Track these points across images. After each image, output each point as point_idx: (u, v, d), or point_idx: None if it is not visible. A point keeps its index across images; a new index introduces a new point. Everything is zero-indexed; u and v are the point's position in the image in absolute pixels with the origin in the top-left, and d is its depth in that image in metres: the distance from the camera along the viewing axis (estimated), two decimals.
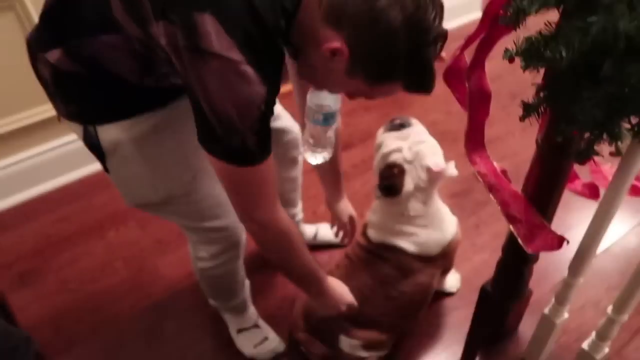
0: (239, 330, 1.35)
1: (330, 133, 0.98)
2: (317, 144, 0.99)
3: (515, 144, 1.89)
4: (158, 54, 0.77)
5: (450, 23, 2.62)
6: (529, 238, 0.83)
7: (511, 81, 2.13)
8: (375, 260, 1.17)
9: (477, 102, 0.89)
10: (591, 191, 1.02)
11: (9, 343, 0.94)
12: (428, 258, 1.16)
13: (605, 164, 0.96)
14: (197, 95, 0.74)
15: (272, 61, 0.76)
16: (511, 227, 0.84)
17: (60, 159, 1.87)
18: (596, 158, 0.78)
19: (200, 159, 0.86)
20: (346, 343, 1.16)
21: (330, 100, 0.92)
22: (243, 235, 1.13)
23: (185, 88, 0.76)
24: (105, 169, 0.94)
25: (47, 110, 1.74)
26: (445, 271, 1.30)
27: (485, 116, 0.89)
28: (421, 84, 0.78)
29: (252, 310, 1.36)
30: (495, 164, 0.99)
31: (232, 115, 0.73)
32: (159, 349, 1.38)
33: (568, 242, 0.81)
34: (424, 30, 0.73)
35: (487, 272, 1.42)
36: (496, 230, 1.61)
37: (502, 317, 1.07)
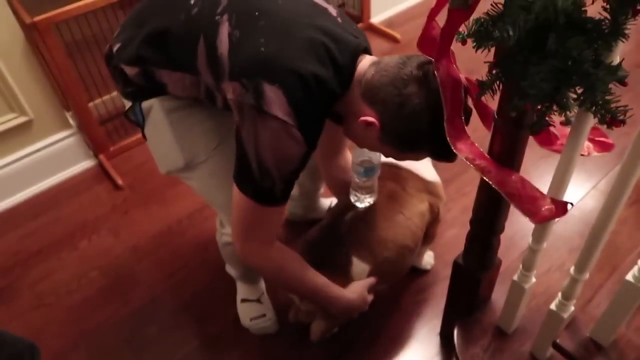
0: (243, 300, 1.39)
1: (371, 182, 1.15)
2: (361, 192, 1.16)
3: (474, 120, 1.93)
4: (216, 99, 0.96)
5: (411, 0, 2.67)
6: (532, 211, 0.83)
7: (464, 59, 2.20)
8: (378, 181, 1.20)
9: (450, 90, 0.90)
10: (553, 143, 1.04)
11: (15, 350, 0.93)
12: (425, 182, 1.22)
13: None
14: (247, 143, 0.89)
15: (317, 128, 0.92)
16: (512, 203, 0.84)
17: (22, 172, 1.82)
18: (558, 125, 0.82)
19: (225, 131, 1.04)
20: (358, 268, 1.15)
21: (370, 155, 1.10)
22: None
23: (237, 133, 0.91)
24: (144, 136, 1.10)
25: (3, 122, 1.69)
26: (427, 238, 1.35)
27: (460, 103, 0.91)
28: (444, 154, 0.92)
29: (261, 285, 1.40)
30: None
31: (272, 165, 0.89)
32: (144, 355, 1.38)
33: (572, 204, 0.83)
34: (443, 114, 0.86)
35: (458, 246, 1.48)
36: (463, 205, 1.66)
37: (476, 287, 1.12)
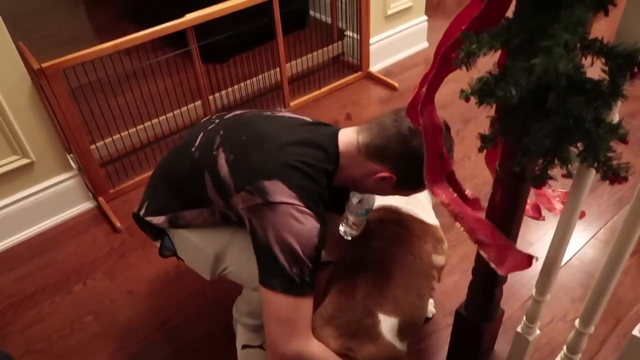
0: (244, 346, 1.35)
1: (366, 219, 1.25)
2: (356, 229, 1.25)
3: (471, 166, 1.97)
4: (230, 217, 1.10)
5: (409, 50, 2.75)
6: (499, 261, 0.87)
7: (462, 107, 2.25)
8: (380, 224, 1.22)
9: (430, 136, 0.93)
10: (535, 212, 1.08)
11: None
12: (427, 225, 1.23)
13: (548, 190, 1.03)
14: (268, 238, 0.98)
15: (321, 205, 1.02)
16: (481, 251, 0.88)
17: (21, 213, 1.82)
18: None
19: (236, 224, 1.13)
20: (386, 324, 1.10)
21: (372, 199, 1.21)
22: None
23: (253, 239, 1.01)
24: (180, 258, 1.24)
25: (4, 164, 1.70)
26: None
27: (439, 148, 0.94)
28: None
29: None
30: (467, 191, 1.05)
31: (295, 246, 0.97)
32: None
33: (537, 259, 0.86)
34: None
35: (458, 294, 1.47)
36: (463, 252, 1.66)
37: (478, 338, 1.10)
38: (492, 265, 0.87)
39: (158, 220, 1.16)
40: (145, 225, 1.22)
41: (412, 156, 1.02)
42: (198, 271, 1.22)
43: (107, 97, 1.84)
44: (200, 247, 1.17)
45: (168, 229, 1.19)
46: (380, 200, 1.30)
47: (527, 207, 1.08)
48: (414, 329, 1.18)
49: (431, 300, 1.50)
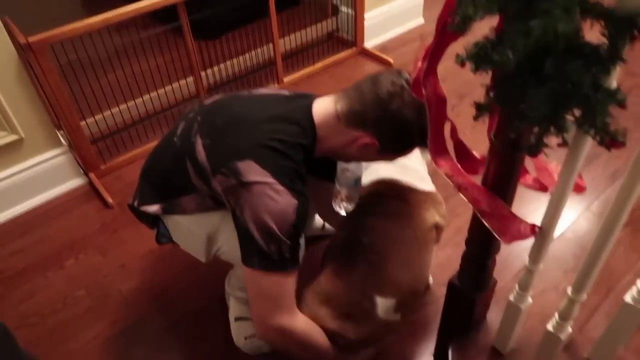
0: (237, 318, 1.36)
1: (358, 191, 1.25)
2: (349, 201, 1.25)
3: (467, 141, 1.94)
4: (221, 201, 1.06)
5: (405, 26, 2.72)
6: (503, 230, 0.86)
7: (457, 82, 2.24)
8: (378, 199, 1.21)
9: (434, 107, 0.92)
10: (541, 185, 1.08)
11: None
12: (425, 193, 1.22)
13: (551, 162, 1.03)
14: (244, 217, 0.98)
15: (298, 181, 1.01)
16: (484, 222, 0.87)
17: (11, 189, 1.79)
18: (542, 157, 0.83)
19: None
20: (382, 306, 1.10)
21: (359, 169, 1.22)
22: None
23: (234, 221, 1.01)
24: (176, 244, 1.24)
25: None
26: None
27: (444, 119, 0.93)
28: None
29: None
30: (475, 153, 1.05)
31: (271, 224, 0.96)
32: None
33: (540, 228, 0.86)
34: (424, 111, 0.94)
35: (452, 266, 1.47)
36: (457, 226, 1.67)
37: (471, 308, 1.11)
38: (496, 234, 0.86)
39: (152, 208, 1.17)
40: (141, 215, 1.23)
41: (393, 120, 1.02)
42: (193, 254, 1.22)
43: (98, 74, 1.81)
44: (192, 230, 1.17)
45: (162, 216, 1.19)
46: (376, 173, 1.29)
47: (531, 180, 1.08)
48: (414, 300, 1.19)
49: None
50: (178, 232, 1.20)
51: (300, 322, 1.08)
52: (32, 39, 1.55)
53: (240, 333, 1.34)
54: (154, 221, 1.23)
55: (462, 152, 1.04)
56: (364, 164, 1.29)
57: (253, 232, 0.98)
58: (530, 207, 1.70)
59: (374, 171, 1.30)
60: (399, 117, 1.02)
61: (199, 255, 1.21)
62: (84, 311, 1.51)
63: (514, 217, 0.87)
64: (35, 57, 1.59)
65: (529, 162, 0.95)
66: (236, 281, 1.31)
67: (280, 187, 0.97)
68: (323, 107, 1.08)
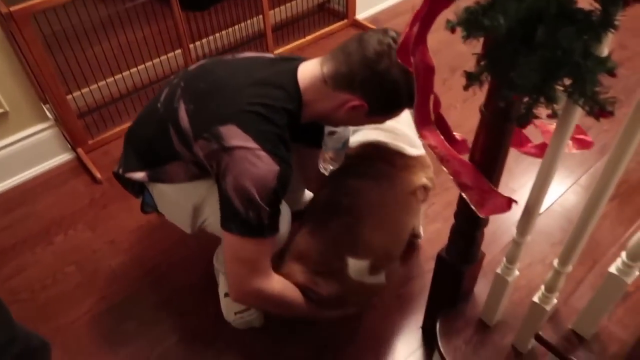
0: (227, 294, 1.37)
1: (344, 152, 1.25)
2: (333, 164, 1.26)
3: (457, 115, 1.96)
4: (206, 168, 1.05)
5: None
6: (480, 203, 0.87)
7: (449, 55, 2.21)
8: (363, 162, 1.19)
9: (422, 77, 0.91)
10: (542, 151, 1.08)
11: (28, 345, 0.91)
12: (413, 158, 1.21)
13: (551, 124, 1.02)
14: (225, 182, 0.97)
15: (282, 146, 0.99)
16: (463, 194, 0.88)
17: None
18: (544, 121, 0.83)
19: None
20: (354, 267, 1.12)
21: (347, 131, 1.21)
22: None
23: (218, 186, 1.00)
24: (161, 214, 1.24)
25: None
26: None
27: (431, 90, 0.92)
28: None
29: None
30: (456, 134, 1.04)
31: (251, 190, 0.95)
32: (122, 351, 1.35)
33: (516, 202, 0.86)
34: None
35: (441, 240, 1.48)
36: (446, 200, 1.67)
37: (459, 281, 1.12)
38: (473, 207, 0.87)
39: (138, 175, 1.15)
40: (126, 183, 1.22)
41: (381, 80, 0.99)
42: (179, 225, 1.21)
43: (83, 46, 1.76)
44: (178, 201, 1.16)
45: (148, 184, 1.17)
46: (364, 136, 1.27)
47: (534, 149, 1.07)
48: (390, 263, 1.20)
49: (421, 227, 1.52)
50: (164, 202, 1.19)
51: (276, 284, 1.09)
52: (14, 8, 1.51)
53: (230, 309, 1.35)
54: (139, 189, 1.21)
55: (443, 129, 1.03)
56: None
57: (232, 198, 0.97)
58: (521, 180, 1.71)
59: (362, 134, 1.28)
60: (387, 78, 0.99)
61: (184, 227, 1.20)
62: (75, 287, 1.50)
63: (493, 191, 0.87)
64: (17, 28, 1.54)
65: (531, 130, 0.94)
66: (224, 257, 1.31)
67: (262, 153, 0.95)
68: (309, 70, 1.05)
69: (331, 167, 1.24)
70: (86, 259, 1.58)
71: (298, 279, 1.14)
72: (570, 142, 1.00)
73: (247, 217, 0.97)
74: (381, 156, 1.23)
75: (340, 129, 1.20)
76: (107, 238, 1.63)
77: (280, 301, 1.12)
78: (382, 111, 1.07)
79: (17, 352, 0.86)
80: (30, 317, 1.43)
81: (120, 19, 1.80)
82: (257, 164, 0.95)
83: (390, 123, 1.18)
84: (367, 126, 1.28)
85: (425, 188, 1.25)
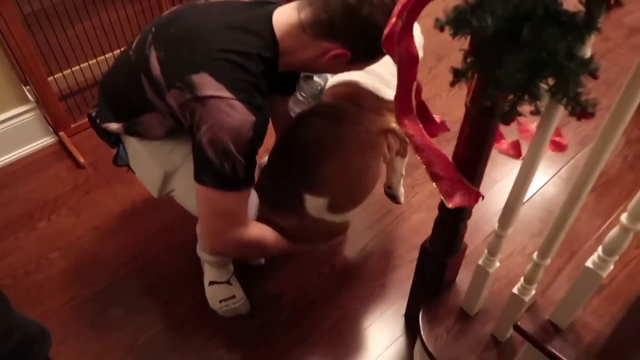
0: (211, 283, 1.38)
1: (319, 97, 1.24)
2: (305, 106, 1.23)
3: (442, 104, 1.97)
4: (179, 120, 1.00)
5: None
6: (449, 194, 0.90)
7: (436, 43, 2.21)
8: (331, 100, 1.18)
9: (406, 67, 0.92)
10: (515, 150, 1.11)
11: (28, 333, 0.91)
12: (385, 101, 1.19)
13: (532, 123, 1.04)
14: (199, 134, 0.93)
15: (257, 95, 0.95)
16: (434, 184, 0.90)
17: None
18: (523, 118, 0.84)
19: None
20: (311, 203, 1.12)
21: (323, 77, 1.19)
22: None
23: (192, 138, 0.96)
24: (132, 170, 1.21)
25: None
26: (398, 156, 1.35)
27: (413, 79, 0.93)
28: None
29: (230, 267, 1.39)
30: (436, 116, 1.05)
31: (226, 142, 0.92)
32: (108, 337, 1.35)
33: (483, 197, 0.88)
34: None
35: (424, 230, 1.50)
36: (430, 190, 1.69)
37: (442, 271, 1.14)
38: (442, 197, 0.89)
39: (114, 126, 1.11)
40: (102, 132, 1.17)
41: (365, 26, 0.96)
42: (146, 186, 1.20)
43: (64, 25, 1.72)
44: (151, 164, 1.13)
45: (124, 136, 1.14)
46: (340, 77, 1.25)
47: (506, 145, 1.10)
48: (352, 204, 1.19)
49: (402, 190, 1.54)
50: (137, 160, 1.17)
51: (254, 231, 1.07)
52: None
53: (215, 297, 1.36)
54: (115, 141, 1.17)
55: (423, 113, 1.04)
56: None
57: (206, 149, 0.93)
58: (503, 170, 1.73)
59: (338, 75, 1.26)
60: (370, 24, 0.95)
61: (152, 190, 1.18)
62: (59, 273, 1.50)
63: (463, 183, 0.89)
64: None
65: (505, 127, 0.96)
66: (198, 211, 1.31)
67: (236, 102, 0.91)
68: (285, 17, 0.99)
69: (298, 109, 1.23)
70: (70, 245, 1.57)
71: (260, 214, 1.14)
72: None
73: (222, 169, 0.94)
74: (348, 96, 1.20)
75: (316, 75, 1.17)
76: (91, 224, 1.62)
77: (257, 246, 1.10)
78: (365, 58, 1.03)
79: (17, 340, 0.86)
80: (13, 303, 1.42)
81: None
82: (232, 114, 0.91)
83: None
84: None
85: (395, 133, 1.22)
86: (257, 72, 0.95)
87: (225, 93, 0.91)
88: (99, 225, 1.62)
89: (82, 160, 1.80)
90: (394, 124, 1.21)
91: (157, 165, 1.12)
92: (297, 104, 1.22)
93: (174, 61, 0.96)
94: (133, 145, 1.14)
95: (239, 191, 0.98)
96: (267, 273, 1.48)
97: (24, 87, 1.77)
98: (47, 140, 1.88)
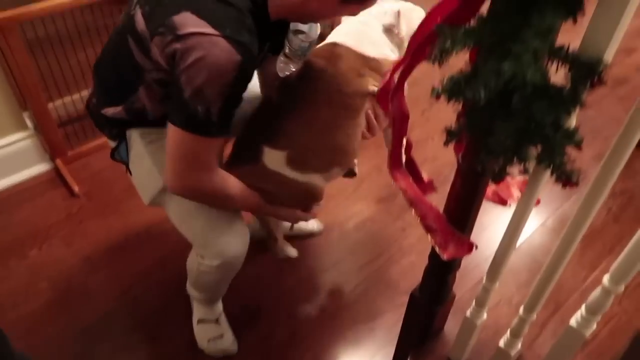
0: (200, 321, 1.37)
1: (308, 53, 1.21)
2: (295, 63, 1.19)
3: (434, 147, 2.00)
4: (167, 84, 0.95)
5: None
6: (444, 246, 0.93)
7: (429, 86, 2.27)
8: (306, 61, 1.15)
9: (398, 123, 0.96)
10: (500, 198, 1.15)
11: None
12: (365, 58, 1.16)
13: (511, 177, 1.08)
14: (177, 72, 0.88)
15: (244, 32, 0.88)
16: (428, 235, 0.93)
17: None
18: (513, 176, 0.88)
19: None
20: (269, 156, 1.11)
21: (314, 30, 1.16)
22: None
23: (173, 79, 0.90)
24: (130, 172, 1.17)
25: None
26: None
27: (404, 134, 0.97)
28: None
29: (219, 305, 1.39)
30: (423, 174, 1.09)
31: (204, 82, 0.86)
32: None
33: (476, 246, 0.91)
34: None
35: (414, 274, 1.52)
36: (421, 233, 1.69)
37: (430, 319, 1.16)
38: (437, 249, 0.92)
39: (115, 110, 1.08)
40: (102, 123, 1.13)
41: None
42: (139, 190, 1.17)
43: (67, 52, 1.74)
44: (152, 171, 1.11)
45: (129, 132, 1.11)
46: (328, 37, 1.23)
47: (491, 193, 1.14)
48: (320, 161, 1.17)
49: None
50: (138, 163, 1.14)
51: (216, 179, 1.03)
52: (1, 15, 1.50)
53: (203, 336, 1.35)
54: (117, 134, 1.13)
55: (413, 171, 1.08)
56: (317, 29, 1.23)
57: (183, 89, 0.88)
58: (491, 216, 1.77)
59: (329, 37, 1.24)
60: None
61: (144, 195, 1.16)
62: (47, 305, 1.49)
63: (456, 234, 0.92)
64: (3, 35, 1.53)
65: None
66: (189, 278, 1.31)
67: (220, 39, 0.85)
68: None
69: (291, 65, 1.20)
70: (60, 275, 1.56)
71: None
72: (519, 195, 1.07)
73: (195, 111, 0.89)
74: (329, 57, 1.18)
75: (306, 28, 1.15)
76: (82, 254, 1.62)
77: (220, 197, 1.06)
78: None
79: None
80: None
81: (106, 26, 1.78)
82: (213, 51, 0.85)
83: (362, 20, 1.17)
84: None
85: (373, 96, 1.19)
86: (243, 8, 0.89)
87: (208, 29, 0.85)
88: (90, 256, 1.61)
89: (76, 189, 1.80)
90: (373, 87, 1.18)
91: (158, 175, 1.10)
92: (284, 63, 1.19)
93: (157, 10, 0.92)
94: (137, 147, 1.11)
95: (209, 137, 0.94)
96: (256, 313, 1.48)
97: (23, 113, 1.79)
98: (43, 166, 1.89)
